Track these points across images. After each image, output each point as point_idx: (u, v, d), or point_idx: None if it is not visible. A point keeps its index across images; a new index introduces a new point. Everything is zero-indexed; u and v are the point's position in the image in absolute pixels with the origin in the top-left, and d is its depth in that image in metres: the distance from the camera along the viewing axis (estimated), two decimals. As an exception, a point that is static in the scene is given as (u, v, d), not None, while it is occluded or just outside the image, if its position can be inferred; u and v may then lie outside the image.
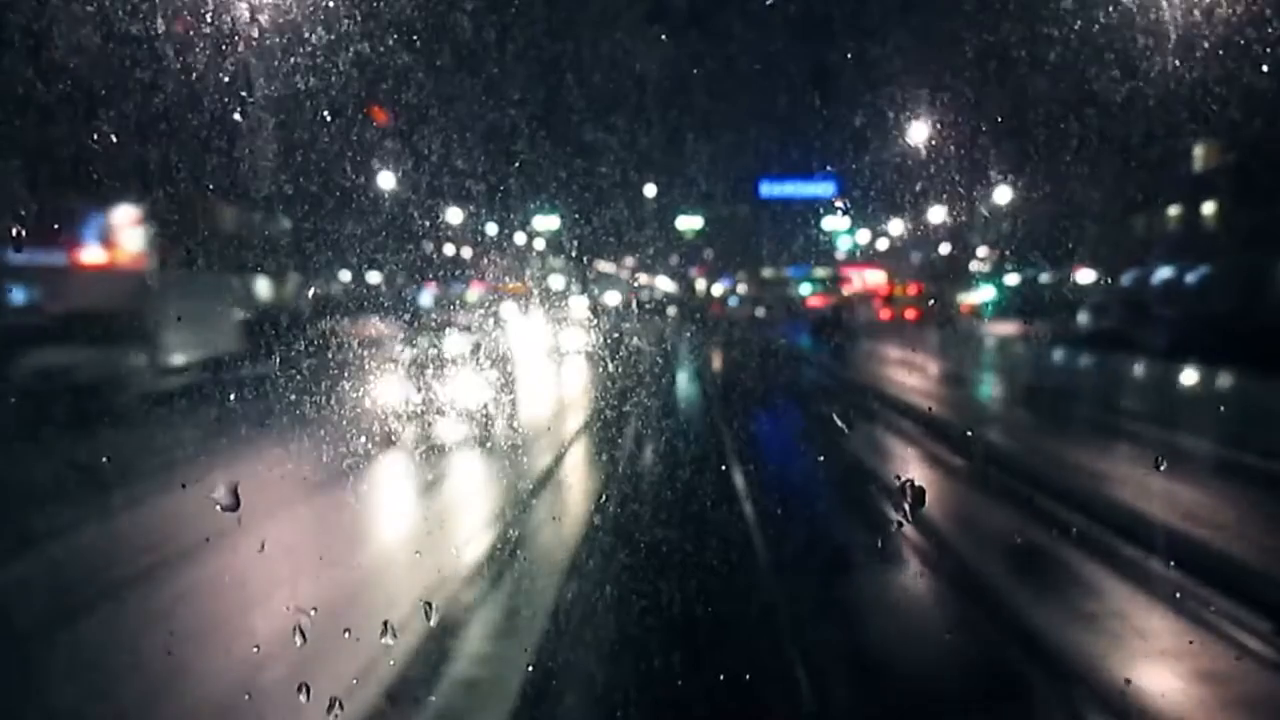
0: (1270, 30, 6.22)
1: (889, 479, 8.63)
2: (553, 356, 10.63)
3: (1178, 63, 6.47)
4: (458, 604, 6.26)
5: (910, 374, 18.14)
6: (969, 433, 11.36)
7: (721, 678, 4.89)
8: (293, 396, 5.34)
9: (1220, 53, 6.39)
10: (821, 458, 9.47)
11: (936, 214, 14.91)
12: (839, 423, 8.70)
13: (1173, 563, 6.79)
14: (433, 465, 7.50)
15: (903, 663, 5.95)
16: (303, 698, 3.91)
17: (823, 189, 17.85)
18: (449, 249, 12.44)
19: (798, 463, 10.54)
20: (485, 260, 11.94)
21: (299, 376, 5.34)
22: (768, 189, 20.90)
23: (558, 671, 5.49)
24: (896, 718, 5.31)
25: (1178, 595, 6.50)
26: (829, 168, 16.48)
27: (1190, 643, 6.06)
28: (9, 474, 6.04)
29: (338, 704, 3.93)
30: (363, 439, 5.62)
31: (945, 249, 19.48)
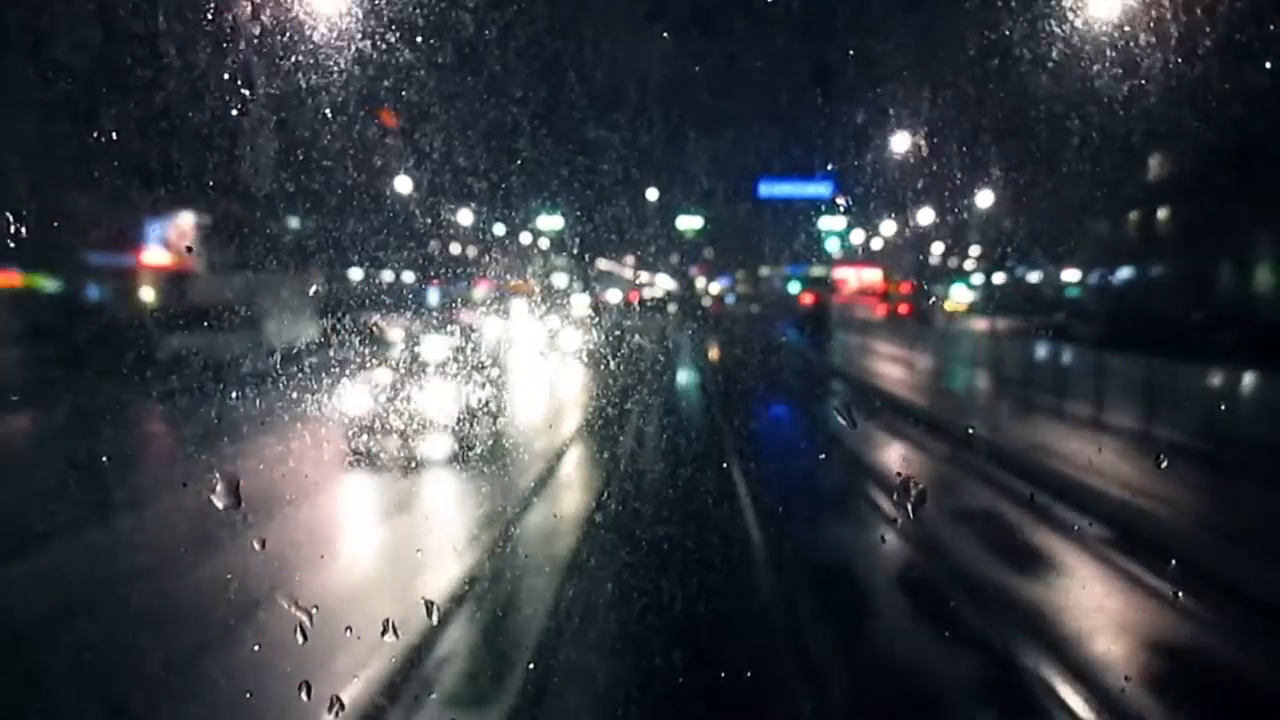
0: (1205, 61, 6.78)
1: (832, 415, 13.52)
2: (571, 344, 11.71)
3: (1139, 82, 6.92)
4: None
5: (874, 359, 22.28)
6: (885, 390, 17.04)
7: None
8: (367, 373, 7.12)
9: (1168, 77, 6.93)
10: (790, 412, 14.47)
11: (925, 216, 16.22)
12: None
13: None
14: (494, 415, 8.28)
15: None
16: (303, 696, 3.99)
17: (820, 189, 18.62)
18: (455, 248, 12.82)
19: (771, 415, 14.69)
20: (490, 259, 12.35)
21: (367, 359, 6.81)
22: (766, 189, 21.14)
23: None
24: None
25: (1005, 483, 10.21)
26: (827, 168, 16.88)
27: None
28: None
29: (338, 702, 4.01)
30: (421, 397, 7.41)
31: (936, 249, 20.36)
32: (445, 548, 6.73)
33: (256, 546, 4.37)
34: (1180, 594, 6.80)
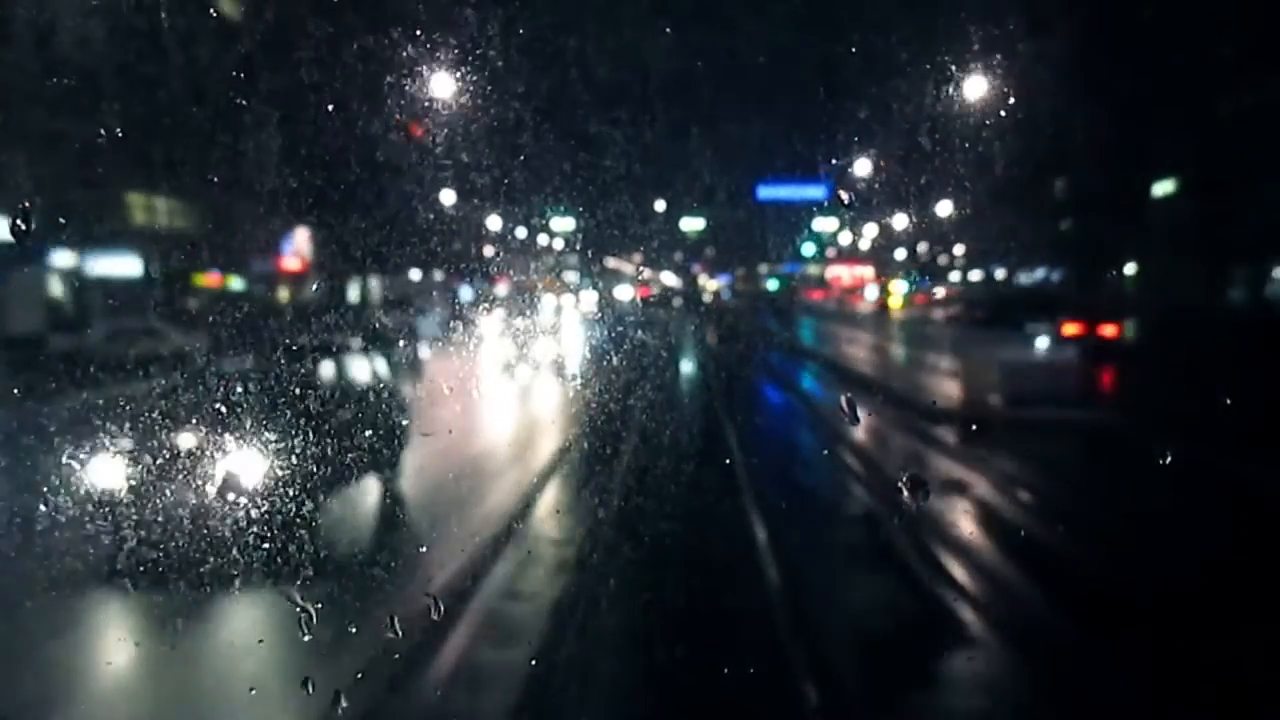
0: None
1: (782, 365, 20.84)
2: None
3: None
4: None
5: (825, 337, 28.38)
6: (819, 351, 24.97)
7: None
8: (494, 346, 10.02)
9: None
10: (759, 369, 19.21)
11: (899, 221, 19.57)
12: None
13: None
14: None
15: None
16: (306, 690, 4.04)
17: (815, 192, 19.99)
18: (484, 249, 14.43)
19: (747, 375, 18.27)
20: (513, 258, 14.01)
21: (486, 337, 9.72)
22: (764, 192, 22.51)
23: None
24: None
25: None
26: (820, 174, 18.24)
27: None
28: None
29: (340, 697, 4.00)
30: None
31: (900, 253, 25.73)
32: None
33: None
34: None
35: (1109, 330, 17.54)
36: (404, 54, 7.95)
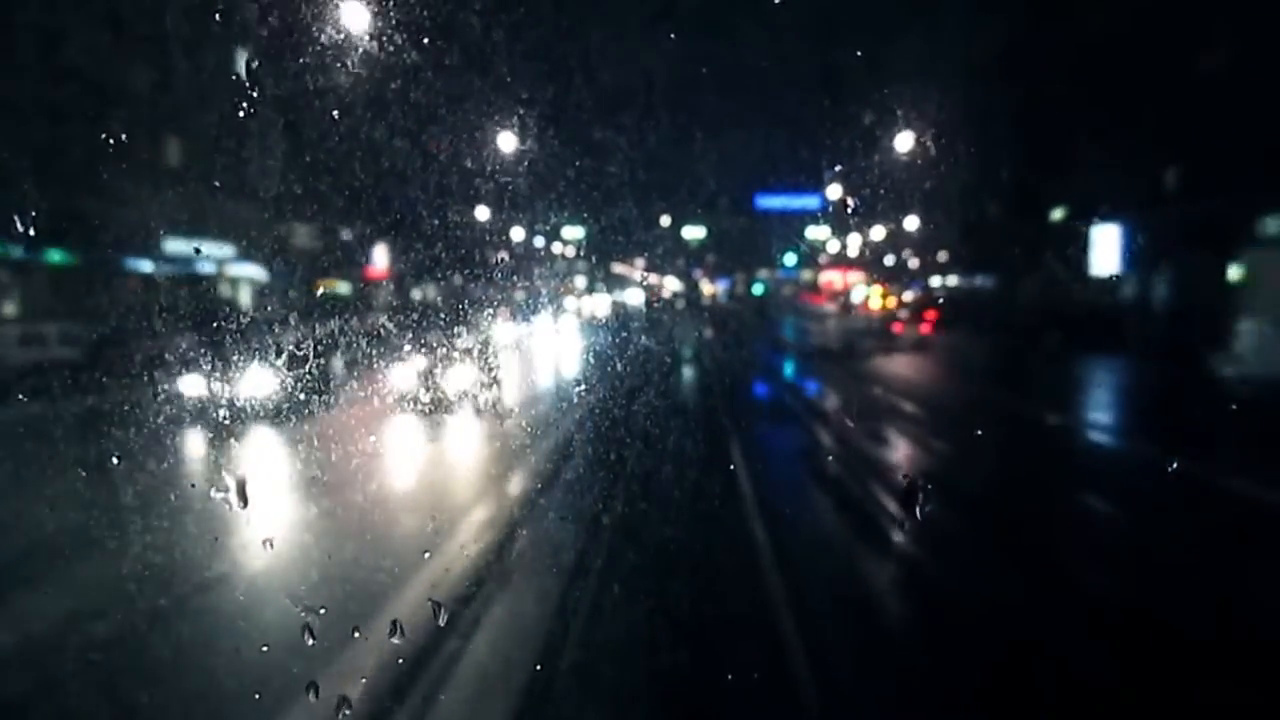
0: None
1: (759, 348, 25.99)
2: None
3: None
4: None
5: (798, 330, 32.34)
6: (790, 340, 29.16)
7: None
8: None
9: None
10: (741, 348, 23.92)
11: (877, 233, 22.28)
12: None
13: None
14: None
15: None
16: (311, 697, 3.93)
17: (809, 202, 20.39)
18: (501, 255, 16.12)
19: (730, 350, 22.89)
20: (534, 265, 15.77)
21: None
22: (762, 202, 24.11)
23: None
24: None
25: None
26: (814, 186, 19.79)
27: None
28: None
29: (345, 703, 3.96)
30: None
31: (890, 259, 29.58)
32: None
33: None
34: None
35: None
36: (467, 108, 9.63)
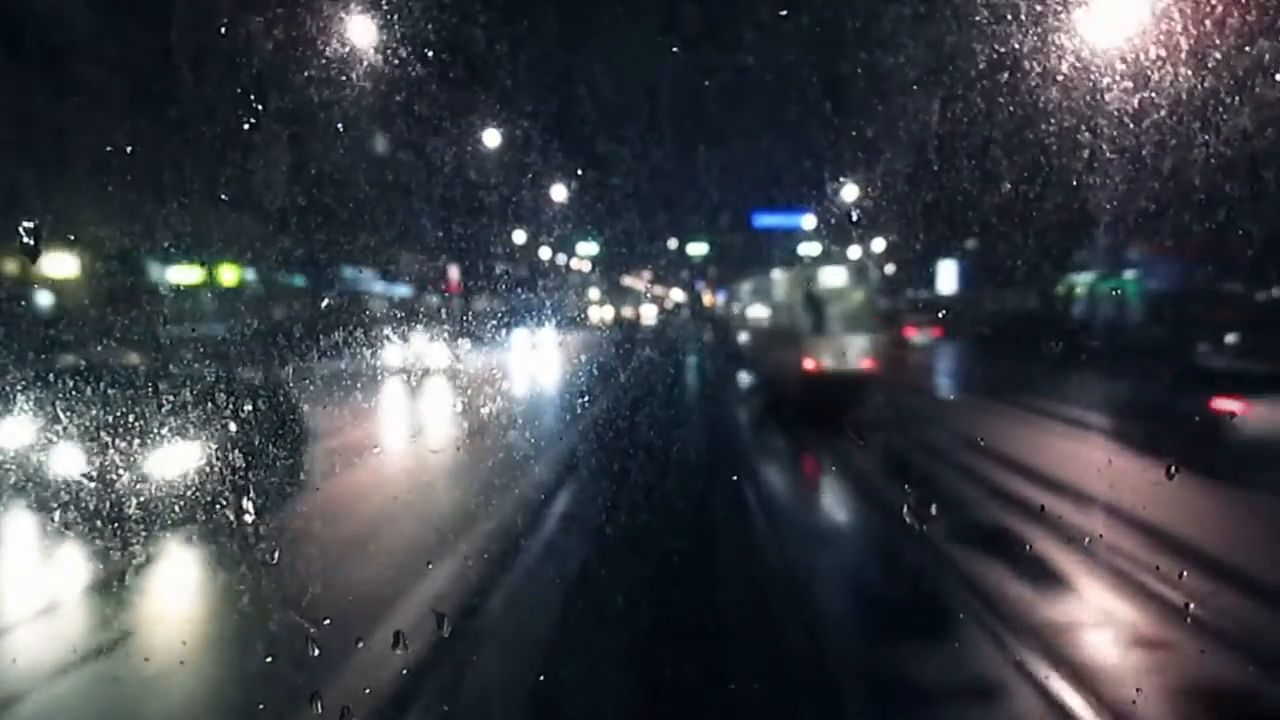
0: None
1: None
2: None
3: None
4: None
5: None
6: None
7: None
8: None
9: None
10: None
11: (875, 246, 23.82)
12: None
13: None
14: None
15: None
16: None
17: (803, 220, 21.82)
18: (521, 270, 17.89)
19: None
20: (560, 278, 17.92)
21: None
22: (760, 219, 25.55)
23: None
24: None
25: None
26: (807, 205, 20.24)
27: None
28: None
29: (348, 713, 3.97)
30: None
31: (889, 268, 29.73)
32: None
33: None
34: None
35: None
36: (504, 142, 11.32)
